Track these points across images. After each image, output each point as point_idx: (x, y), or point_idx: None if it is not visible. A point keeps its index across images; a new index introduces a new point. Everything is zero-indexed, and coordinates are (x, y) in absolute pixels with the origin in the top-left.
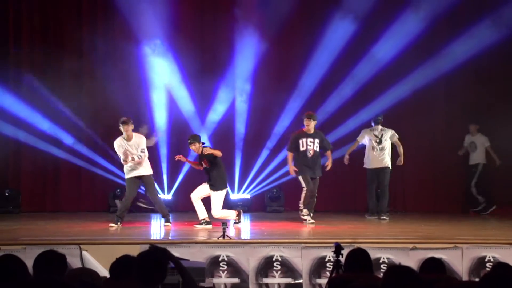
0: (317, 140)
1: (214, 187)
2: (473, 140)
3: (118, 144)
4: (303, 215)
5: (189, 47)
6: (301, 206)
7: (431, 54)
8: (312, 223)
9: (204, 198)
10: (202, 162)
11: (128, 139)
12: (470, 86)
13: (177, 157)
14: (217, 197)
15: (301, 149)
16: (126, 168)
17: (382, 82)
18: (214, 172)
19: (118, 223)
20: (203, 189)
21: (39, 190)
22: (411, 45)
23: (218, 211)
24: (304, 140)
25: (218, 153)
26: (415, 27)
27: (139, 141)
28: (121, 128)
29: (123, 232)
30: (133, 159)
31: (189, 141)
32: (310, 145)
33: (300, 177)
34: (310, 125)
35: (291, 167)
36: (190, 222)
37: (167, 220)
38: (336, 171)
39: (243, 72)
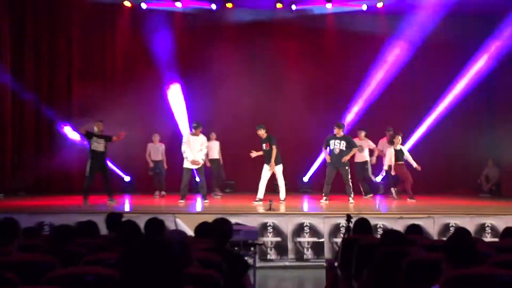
0: (343, 142)
1: (275, 163)
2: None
3: (186, 139)
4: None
5: None
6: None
7: None
8: (324, 202)
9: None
10: (264, 144)
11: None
12: None
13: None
14: (280, 170)
15: (331, 147)
16: (187, 160)
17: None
18: (272, 153)
19: (183, 199)
20: (266, 174)
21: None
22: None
23: (283, 181)
24: (333, 141)
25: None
26: None
27: (202, 140)
28: (197, 129)
29: (203, 206)
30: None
31: (257, 127)
32: (337, 145)
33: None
34: (337, 131)
35: (327, 157)
36: (247, 200)
37: (205, 198)
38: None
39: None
